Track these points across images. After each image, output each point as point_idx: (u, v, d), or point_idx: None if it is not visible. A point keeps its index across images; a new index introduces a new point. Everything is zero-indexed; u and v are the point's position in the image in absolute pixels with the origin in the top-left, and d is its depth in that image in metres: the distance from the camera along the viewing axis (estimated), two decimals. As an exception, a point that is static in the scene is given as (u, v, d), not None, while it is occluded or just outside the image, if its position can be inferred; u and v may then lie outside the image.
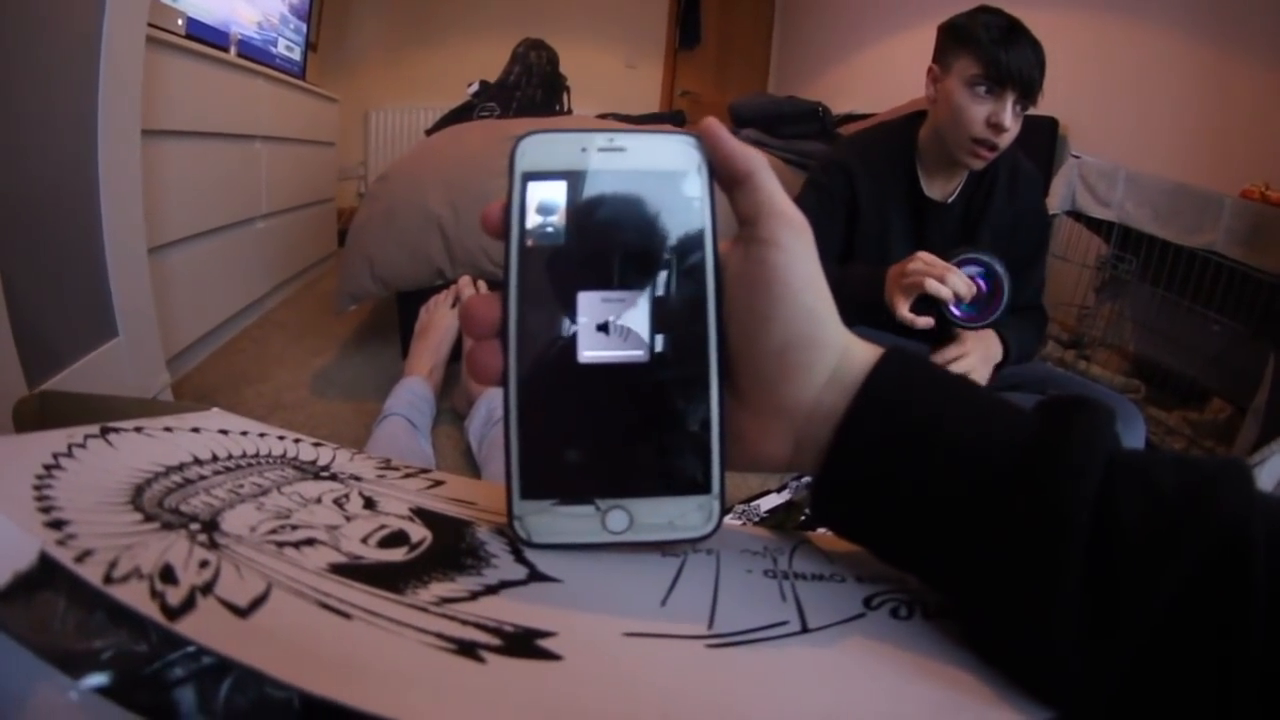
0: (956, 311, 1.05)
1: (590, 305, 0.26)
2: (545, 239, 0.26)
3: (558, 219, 0.26)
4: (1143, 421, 1.18)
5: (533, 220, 0.26)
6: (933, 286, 1.01)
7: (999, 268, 1.05)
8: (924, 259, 1.03)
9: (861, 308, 1.09)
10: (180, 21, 1.92)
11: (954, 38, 1.15)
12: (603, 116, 2.73)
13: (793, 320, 0.26)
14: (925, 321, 1.04)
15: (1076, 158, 1.98)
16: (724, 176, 0.27)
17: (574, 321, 0.26)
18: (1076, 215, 2.00)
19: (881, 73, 3.69)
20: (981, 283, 1.05)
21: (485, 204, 0.27)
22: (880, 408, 0.26)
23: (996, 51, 1.08)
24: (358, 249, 1.79)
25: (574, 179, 0.26)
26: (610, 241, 0.26)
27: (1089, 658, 0.20)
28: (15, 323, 0.96)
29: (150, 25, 1.40)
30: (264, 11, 2.74)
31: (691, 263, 0.27)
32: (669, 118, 2.92)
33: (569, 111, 2.83)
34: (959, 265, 1.04)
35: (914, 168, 1.25)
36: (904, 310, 1.05)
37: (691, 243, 0.27)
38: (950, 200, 1.25)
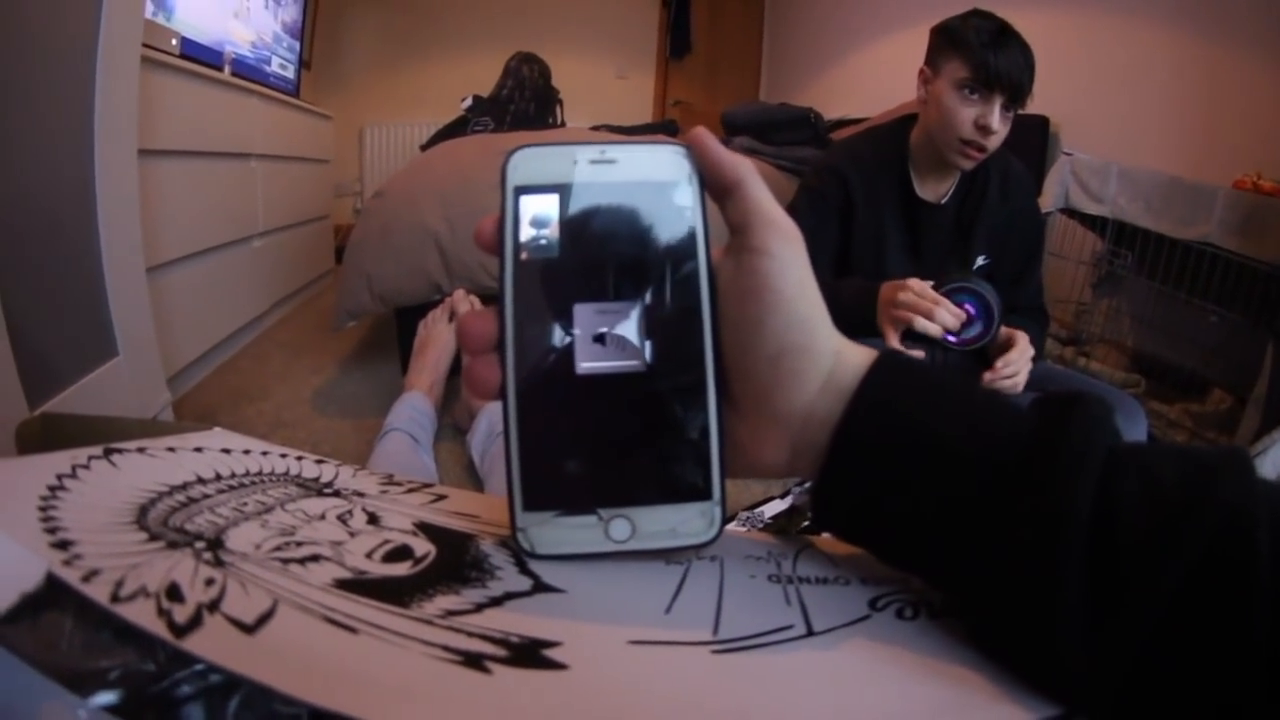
0: (951, 339, 1.07)
1: (586, 317, 0.26)
2: (539, 252, 0.26)
3: (551, 232, 0.26)
4: (1144, 416, 1.18)
5: (526, 234, 0.26)
6: (921, 325, 1.03)
7: (987, 293, 1.06)
8: (914, 290, 1.05)
9: (853, 325, 1.09)
10: (174, 41, 1.93)
11: (945, 40, 1.16)
12: (595, 128, 2.73)
13: (785, 328, 0.26)
14: (915, 354, 1.05)
15: (1069, 155, 1.99)
16: (713, 186, 0.27)
17: (570, 333, 0.26)
18: (1070, 212, 2.01)
19: (872, 77, 3.70)
20: (970, 308, 1.06)
21: (481, 219, 0.27)
22: (876, 411, 0.26)
23: (986, 55, 1.09)
24: (355, 266, 1.79)
25: (566, 192, 0.26)
26: (604, 253, 0.27)
27: (1094, 652, 0.20)
28: (15, 344, 0.96)
29: (145, 45, 1.41)
30: (258, 30, 2.75)
31: (685, 272, 0.27)
32: (661, 127, 2.93)
33: (562, 124, 2.84)
34: (947, 294, 1.05)
35: (907, 170, 1.25)
36: (894, 342, 1.07)
37: (684, 252, 0.27)
38: (944, 201, 1.25)
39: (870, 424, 0.26)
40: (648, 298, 0.27)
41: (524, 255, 0.26)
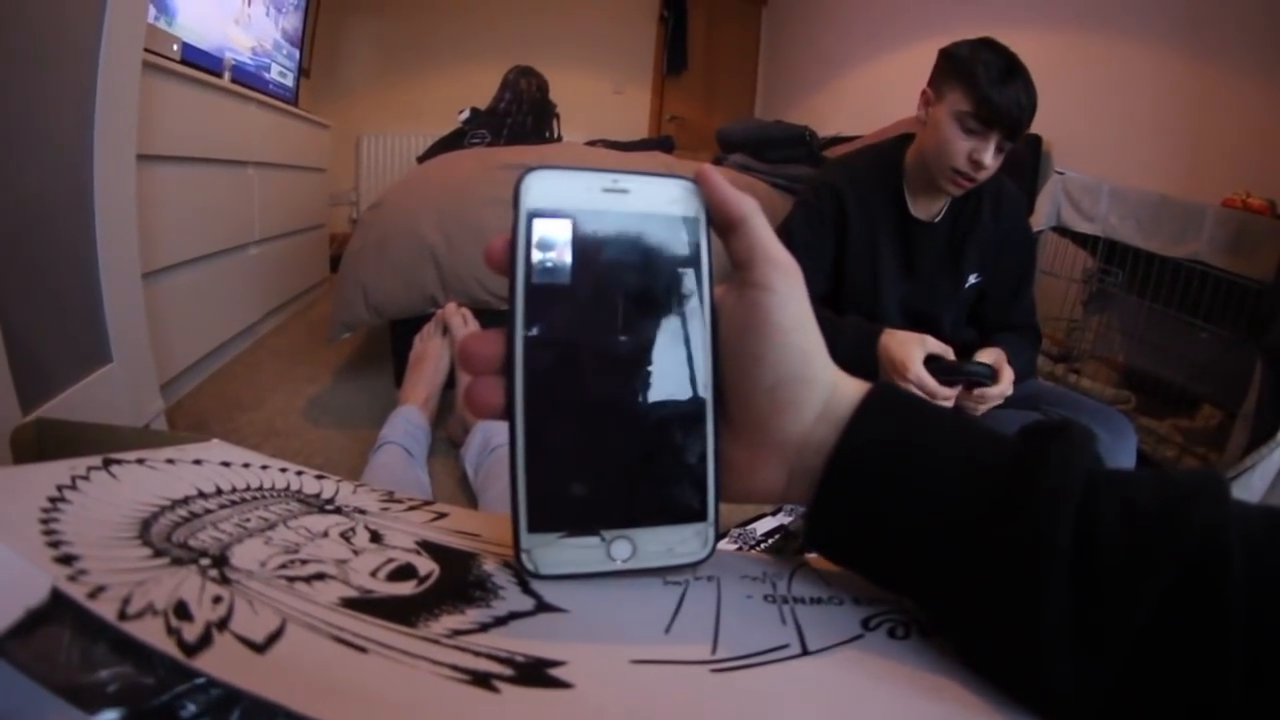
0: None
1: (593, 343, 0.27)
2: (548, 276, 0.27)
3: (562, 257, 0.27)
4: (1134, 432, 1.18)
5: (537, 257, 0.27)
6: None
7: (982, 376, 1.10)
8: (914, 384, 1.07)
9: (851, 368, 1.11)
10: (176, 47, 1.93)
11: (951, 68, 1.15)
12: (592, 143, 2.73)
13: (783, 360, 0.27)
14: None
15: (1061, 174, 2.00)
16: (719, 221, 0.28)
17: (577, 359, 0.27)
18: (1062, 231, 2.02)
19: (867, 95, 3.72)
20: (965, 381, 1.11)
21: (478, 232, 0.27)
22: (868, 441, 0.27)
23: (989, 92, 1.08)
24: (351, 277, 1.79)
25: (578, 218, 0.27)
26: (612, 281, 0.27)
27: (1078, 671, 0.21)
28: (10, 348, 0.96)
29: (146, 50, 1.41)
30: (258, 38, 2.75)
31: (689, 303, 0.27)
32: (658, 143, 2.93)
33: (559, 138, 2.84)
34: (946, 381, 1.08)
35: (901, 189, 1.26)
36: None
37: (689, 284, 0.27)
38: (937, 220, 1.26)
39: (862, 453, 0.27)
40: (653, 327, 0.27)
41: (534, 279, 0.26)
